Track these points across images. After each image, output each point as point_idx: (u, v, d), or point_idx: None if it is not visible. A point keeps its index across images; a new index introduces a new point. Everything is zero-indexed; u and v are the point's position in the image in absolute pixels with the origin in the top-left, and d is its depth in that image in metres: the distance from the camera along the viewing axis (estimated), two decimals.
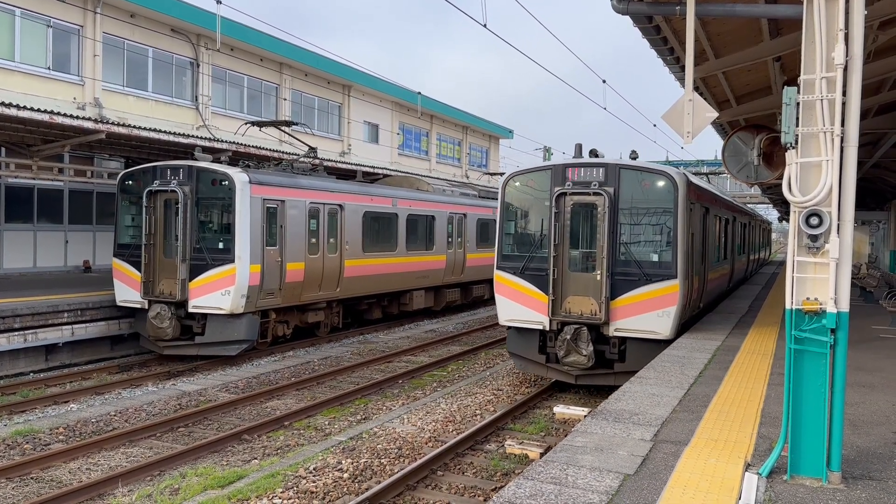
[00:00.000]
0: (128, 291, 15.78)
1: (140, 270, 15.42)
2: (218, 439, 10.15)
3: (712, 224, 15.70)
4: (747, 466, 5.77)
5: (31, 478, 8.79)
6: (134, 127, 17.64)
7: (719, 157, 15.35)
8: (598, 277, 12.17)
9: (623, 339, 12.22)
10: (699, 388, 8.42)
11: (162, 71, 25.93)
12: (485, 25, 14.36)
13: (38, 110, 15.31)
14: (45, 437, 10.27)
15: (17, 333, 14.11)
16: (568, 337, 12.14)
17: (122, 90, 24.38)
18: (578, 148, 13.64)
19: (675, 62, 10.82)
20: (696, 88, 10.58)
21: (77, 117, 16.43)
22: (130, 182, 16.29)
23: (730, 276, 20.48)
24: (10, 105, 14.62)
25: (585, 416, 9.88)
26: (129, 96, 24.63)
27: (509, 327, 13.19)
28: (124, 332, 16.29)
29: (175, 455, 9.47)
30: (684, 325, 13.02)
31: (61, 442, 10.16)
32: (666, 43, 10.10)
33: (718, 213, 16.78)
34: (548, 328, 12.55)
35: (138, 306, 15.63)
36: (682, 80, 10.84)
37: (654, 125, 40.75)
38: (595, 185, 12.25)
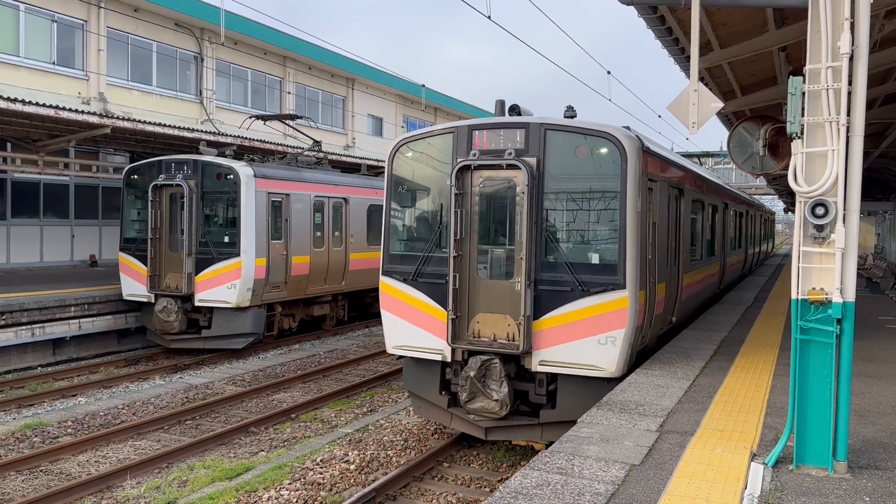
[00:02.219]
0: (134, 285, 15.84)
1: (146, 264, 15.48)
2: (225, 432, 10.21)
3: (690, 211, 12.24)
4: (753, 456, 5.78)
5: (41, 470, 8.85)
6: (139, 121, 17.68)
7: (724, 147, 14.42)
8: (517, 287, 8.70)
9: (554, 377, 8.83)
10: (705, 379, 8.43)
11: (166, 65, 25.94)
12: (489, 17, 14.33)
13: (44, 105, 15.34)
14: (53, 431, 10.34)
15: (24, 328, 14.18)
16: (472, 373, 8.58)
17: (126, 85, 24.40)
18: (500, 105, 9.79)
19: (679, 53, 10.78)
20: (702, 79, 10.53)
21: (82, 112, 16.45)
22: (136, 176, 16.34)
23: (720, 277, 16.87)
24: (15, 100, 14.65)
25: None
26: (133, 91, 24.66)
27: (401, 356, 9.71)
28: (131, 326, 16.36)
29: (183, 447, 9.52)
30: (643, 353, 9.71)
31: (70, 435, 10.23)
32: (671, 34, 10.06)
33: (700, 198, 13.52)
34: (450, 359, 9.10)
35: (145, 300, 15.69)
36: (687, 70, 10.82)
37: (660, 116, 40.72)
38: (510, 153, 8.75)
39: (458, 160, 8.98)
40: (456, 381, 9.05)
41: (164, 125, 18.26)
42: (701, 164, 20.72)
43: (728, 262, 18.12)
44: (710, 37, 10.35)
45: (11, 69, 20.80)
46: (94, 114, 17.05)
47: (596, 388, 8.53)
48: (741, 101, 13.93)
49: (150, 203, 15.43)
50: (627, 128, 8.98)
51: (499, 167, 8.86)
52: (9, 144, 18.57)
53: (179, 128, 18.63)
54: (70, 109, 16.05)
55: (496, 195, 9.12)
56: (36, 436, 10.09)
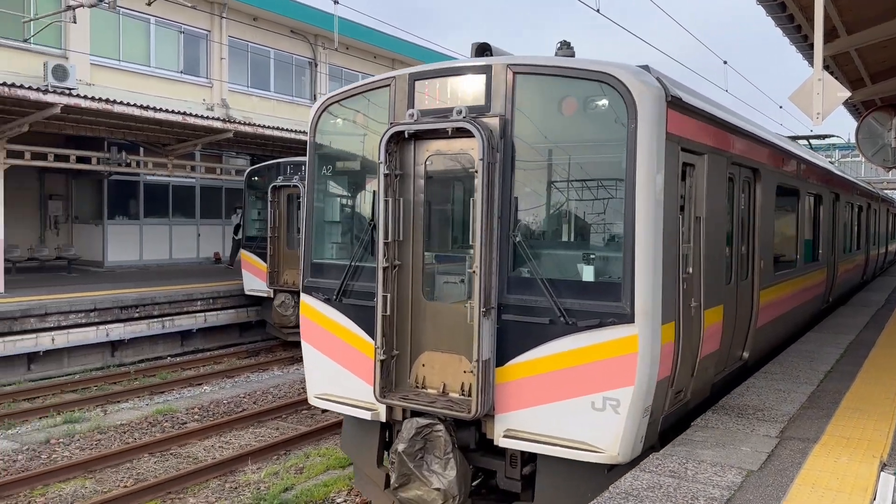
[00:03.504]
0: (254, 281, 16.65)
1: (266, 261, 16.23)
2: (339, 422, 10.57)
3: (772, 201, 8.93)
4: (883, 466, 5.45)
5: (171, 453, 9.48)
6: (258, 126, 18.56)
7: (852, 139, 13.22)
8: (470, 316, 5.76)
9: (531, 456, 5.98)
10: (830, 384, 8.00)
11: (283, 71, 27.11)
12: (598, 10, 14.12)
13: (173, 112, 16.38)
14: (182, 416, 11.05)
15: (156, 320, 15.24)
16: (402, 447, 5.98)
17: (246, 91, 25.68)
18: (474, 48, 6.49)
19: (802, 41, 10.26)
20: (826, 67, 9.98)
21: (207, 117, 17.48)
22: (256, 178, 17.18)
23: (827, 289, 13.09)
24: (148, 108, 15.73)
25: None
26: (252, 96, 25.90)
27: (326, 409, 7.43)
28: (252, 320, 17.27)
29: (299, 436, 9.95)
30: (687, 415, 6.74)
31: (196, 421, 10.89)
32: (792, 20, 9.60)
33: (792, 184, 10.10)
34: (383, 418, 6.41)
35: (264, 295, 16.46)
36: (810, 59, 10.29)
37: (781, 107, 38.76)
38: (460, 112, 5.85)
39: (391, 125, 6.16)
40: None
41: (282, 129, 19.10)
42: (812, 148, 18.06)
43: (839, 269, 14.33)
44: (835, 23, 9.79)
45: (143, 78, 22.32)
46: (217, 119, 18.05)
47: (593, 474, 5.76)
48: (870, 89, 13.09)
49: (269, 203, 16.16)
50: (647, 67, 5.90)
51: (443, 134, 6.00)
52: (142, 149, 19.94)
53: (296, 131, 19.41)
54: (196, 115, 17.08)
55: (452, 178, 6.38)
56: (166, 421, 10.81)
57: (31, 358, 13.46)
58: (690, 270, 6.49)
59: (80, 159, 17.06)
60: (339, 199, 7.34)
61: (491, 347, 5.84)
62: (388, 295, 6.16)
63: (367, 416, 6.43)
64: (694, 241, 6.57)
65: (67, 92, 15.41)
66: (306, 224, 7.15)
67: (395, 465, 6.03)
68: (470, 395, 5.91)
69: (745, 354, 8.41)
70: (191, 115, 16.84)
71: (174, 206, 23.59)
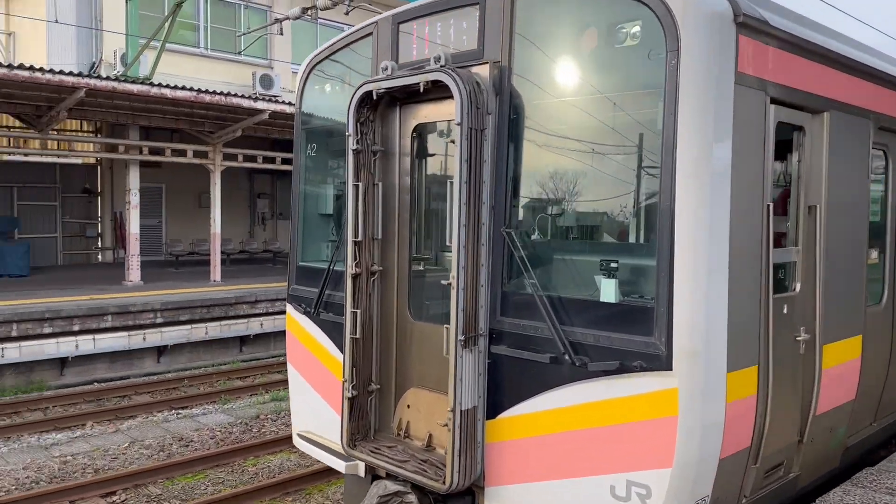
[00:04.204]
0: None
1: None
2: None
3: None
4: None
5: None
6: None
7: None
8: (447, 347, 4.23)
9: None
10: None
11: None
12: None
13: None
14: None
15: None
16: None
17: None
18: None
19: None
20: None
21: None
22: None
23: None
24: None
25: None
26: None
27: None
28: None
29: None
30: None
31: None
32: None
33: None
34: (361, 472, 5.00)
35: None
36: None
37: None
38: (438, 59, 4.32)
39: (361, 85, 4.70)
40: None
41: None
42: None
43: None
44: None
45: None
46: None
47: None
48: None
49: None
50: None
51: (437, 97, 4.50)
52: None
53: None
54: None
55: (448, 156, 4.89)
56: None
57: (243, 340, 14.88)
58: (798, 287, 4.57)
59: (284, 161, 18.52)
60: (329, 185, 5.74)
61: (476, 391, 4.21)
62: (358, 311, 4.70)
63: (340, 467, 5.00)
64: (805, 243, 4.63)
65: (273, 99, 16.84)
66: (292, 217, 5.85)
67: None
68: (443, 452, 4.35)
69: (874, 424, 5.89)
70: None
71: None
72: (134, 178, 16.26)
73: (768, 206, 4.10)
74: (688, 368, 3.56)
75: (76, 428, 10.00)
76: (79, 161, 20.26)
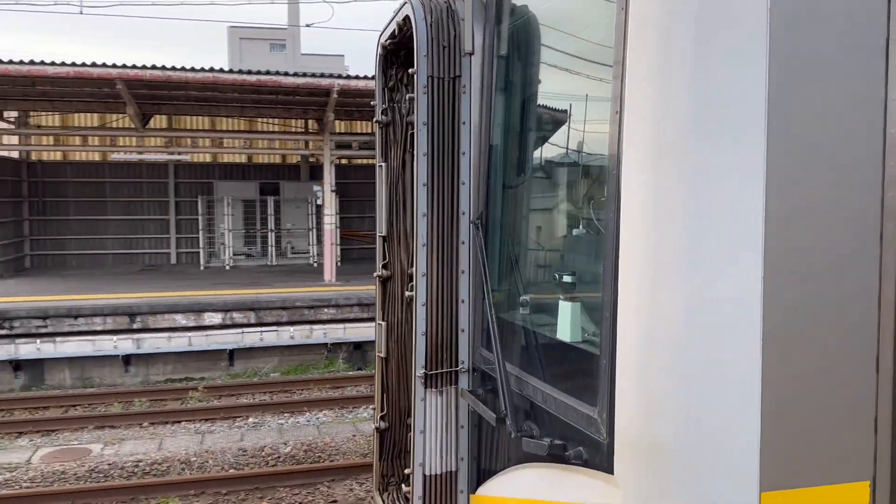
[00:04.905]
0: None
1: None
2: None
3: None
4: None
5: None
6: None
7: None
8: (416, 378, 3.23)
9: None
10: None
11: None
12: None
13: None
14: None
15: None
16: None
17: None
18: None
19: None
20: None
21: None
22: None
23: None
24: None
25: None
26: None
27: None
28: None
29: None
30: None
31: None
32: None
33: None
34: None
35: None
36: None
37: None
38: None
39: (383, 38, 3.66)
40: None
41: None
42: None
43: None
44: None
45: None
46: None
47: None
48: None
49: None
50: None
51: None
52: None
53: None
54: None
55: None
56: None
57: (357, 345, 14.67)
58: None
59: None
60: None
61: (452, 450, 3.10)
62: (384, 324, 3.73)
63: None
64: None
65: None
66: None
67: None
68: None
69: None
70: None
71: None
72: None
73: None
74: (636, 473, 1.85)
75: None
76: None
